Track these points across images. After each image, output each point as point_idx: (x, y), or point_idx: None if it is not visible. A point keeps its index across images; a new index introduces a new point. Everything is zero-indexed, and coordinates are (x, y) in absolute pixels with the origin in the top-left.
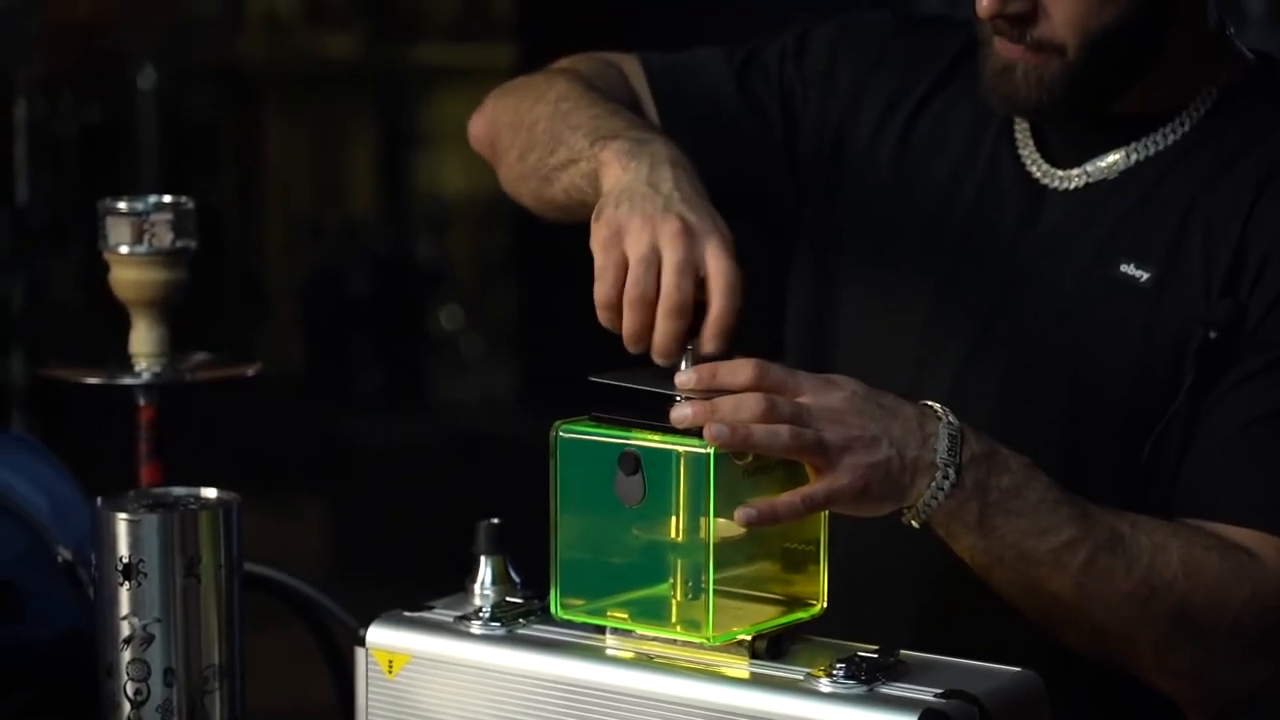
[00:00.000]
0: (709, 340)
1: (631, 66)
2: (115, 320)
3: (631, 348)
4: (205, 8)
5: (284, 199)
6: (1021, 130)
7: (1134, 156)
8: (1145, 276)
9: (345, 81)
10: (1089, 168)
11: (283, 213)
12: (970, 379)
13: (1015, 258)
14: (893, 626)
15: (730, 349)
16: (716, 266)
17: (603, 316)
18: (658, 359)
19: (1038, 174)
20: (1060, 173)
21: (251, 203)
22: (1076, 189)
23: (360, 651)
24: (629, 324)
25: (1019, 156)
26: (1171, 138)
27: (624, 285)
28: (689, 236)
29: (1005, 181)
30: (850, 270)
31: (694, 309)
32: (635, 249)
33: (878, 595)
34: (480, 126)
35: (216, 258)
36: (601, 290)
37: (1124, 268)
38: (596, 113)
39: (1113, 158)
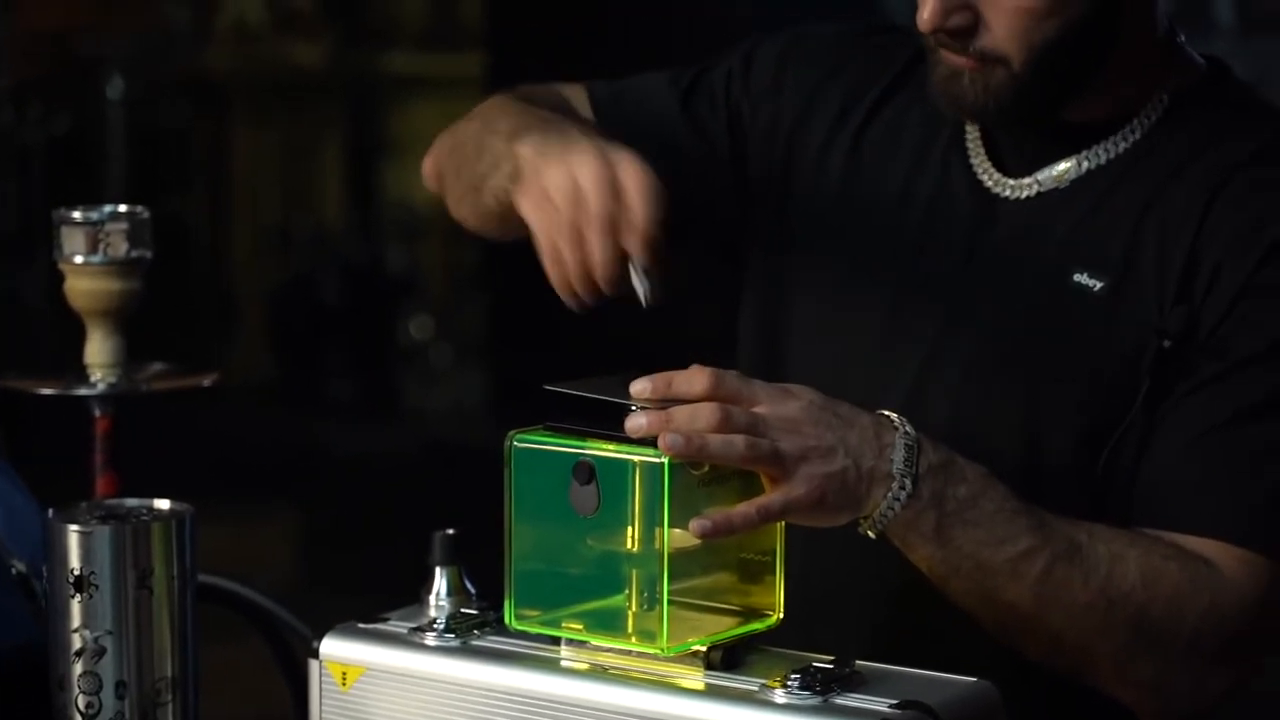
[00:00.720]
0: (635, 246)
1: (578, 96)
2: (80, 331)
3: (581, 290)
4: (174, 18)
5: (253, 208)
6: (973, 139)
7: (1085, 165)
8: (1099, 285)
9: (314, 91)
10: (1040, 176)
11: (252, 222)
12: (926, 390)
13: (968, 268)
14: (849, 639)
15: (661, 261)
16: (632, 177)
17: (553, 275)
18: (603, 285)
19: (989, 183)
20: (1012, 181)
21: (221, 212)
22: (1028, 198)
23: (314, 663)
24: (570, 261)
25: (970, 165)
26: (1123, 145)
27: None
28: (602, 158)
29: (957, 191)
30: (803, 281)
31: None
32: (554, 188)
33: (834, 607)
34: (429, 164)
35: (186, 267)
36: (542, 243)
37: (1077, 277)
38: (517, 121)
39: (1063, 166)
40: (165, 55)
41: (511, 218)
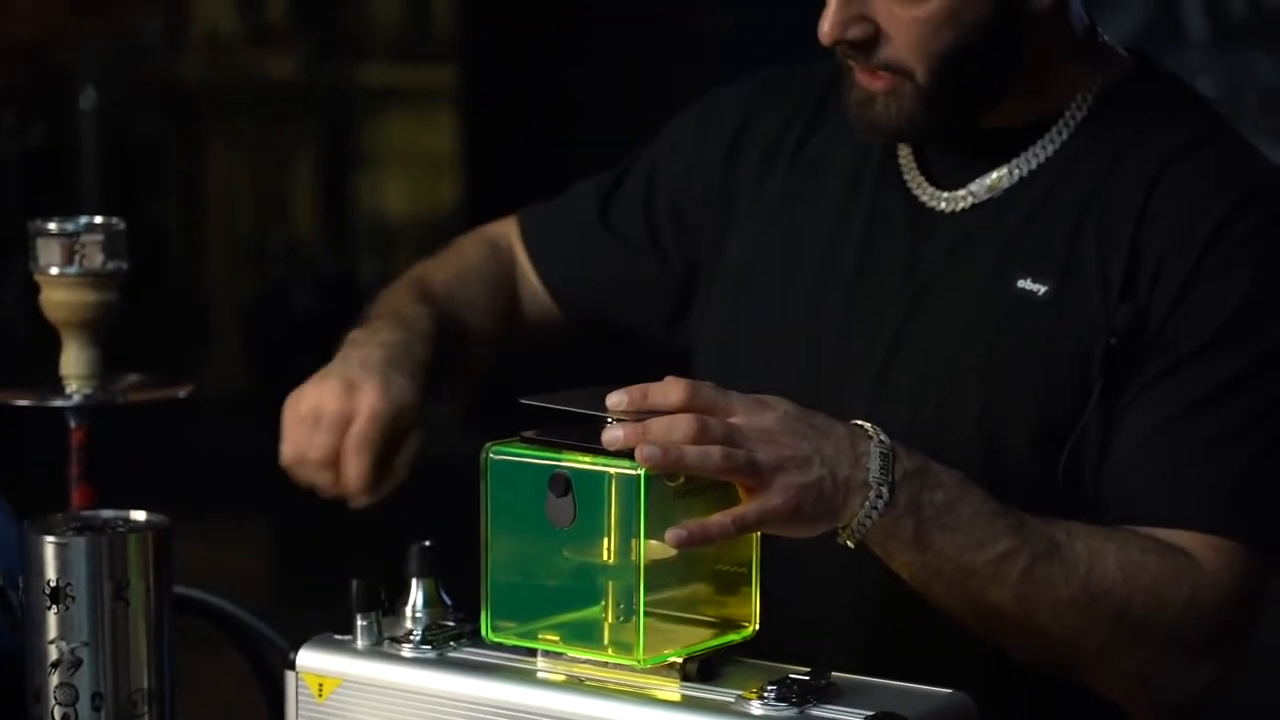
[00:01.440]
0: (349, 496)
1: (513, 228)
2: (52, 342)
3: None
4: (147, 28)
5: (227, 219)
6: (905, 156)
7: (1017, 172)
8: (1043, 290)
9: (288, 102)
10: (974, 187)
11: (226, 233)
12: (881, 409)
13: (912, 284)
14: (830, 651)
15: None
16: (365, 406)
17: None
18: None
19: (924, 198)
20: (946, 194)
21: (194, 223)
22: (964, 210)
23: (290, 675)
24: (302, 477)
25: (904, 182)
26: (1052, 148)
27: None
28: (344, 395)
29: (893, 209)
30: (751, 319)
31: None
32: (296, 413)
33: (813, 619)
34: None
35: (160, 278)
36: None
37: (1021, 283)
38: (382, 306)
39: (996, 175)
40: (138, 66)
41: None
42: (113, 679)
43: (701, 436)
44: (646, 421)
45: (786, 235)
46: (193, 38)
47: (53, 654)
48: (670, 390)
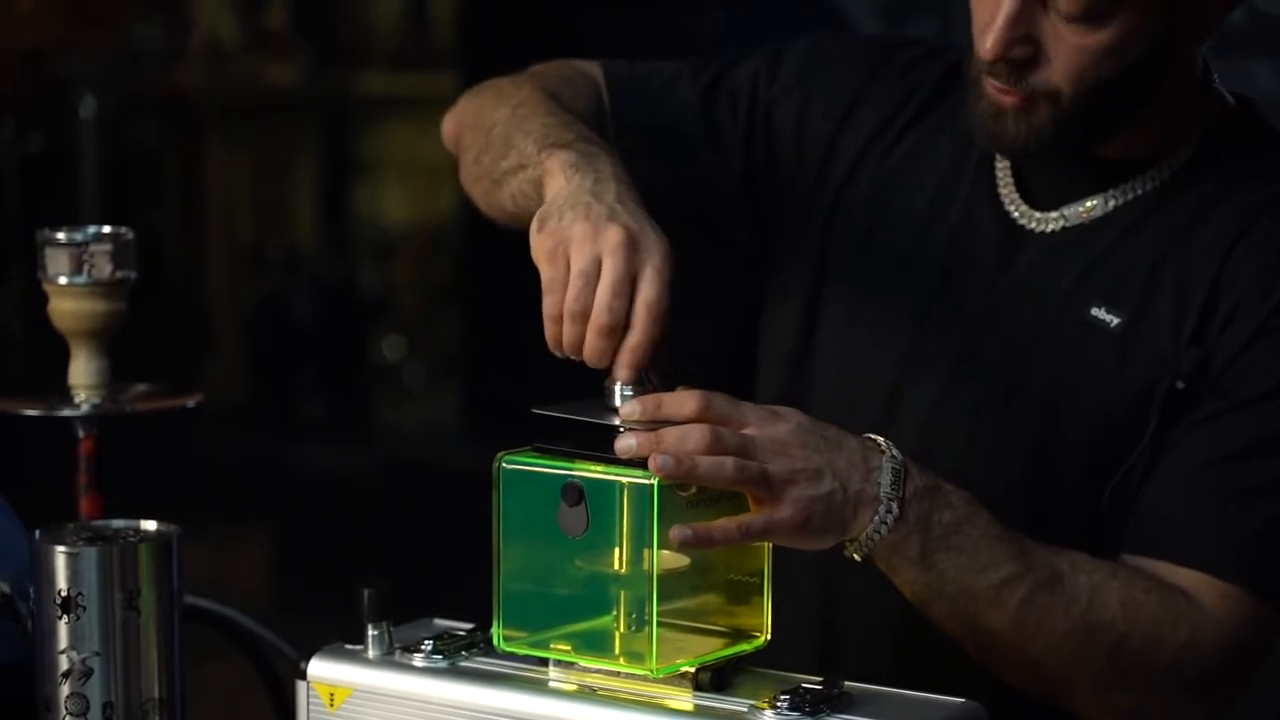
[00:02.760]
0: (620, 366)
1: (594, 76)
2: (58, 351)
3: (573, 355)
4: (147, 37)
5: (227, 228)
6: (1002, 169)
7: (1112, 202)
8: (1116, 321)
9: (288, 110)
10: (1067, 211)
11: (225, 241)
12: (943, 417)
13: (990, 297)
14: (850, 660)
15: (654, 375)
16: (647, 293)
17: (549, 329)
18: (588, 361)
19: (1016, 214)
20: (1039, 215)
21: (194, 231)
22: (1054, 232)
23: (302, 684)
24: (568, 335)
25: (999, 196)
26: (1150, 185)
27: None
28: (630, 250)
29: (984, 220)
30: (828, 301)
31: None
32: (578, 261)
33: (837, 628)
34: (449, 124)
35: (159, 287)
36: (550, 304)
37: (1095, 311)
38: (550, 121)
39: (1091, 202)
40: (138, 74)
41: (524, 220)
42: (124, 688)
43: (715, 447)
44: (660, 431)
45: (872, 229)
46: (192, 46)
47: (64, 664)
48: (684, 401)
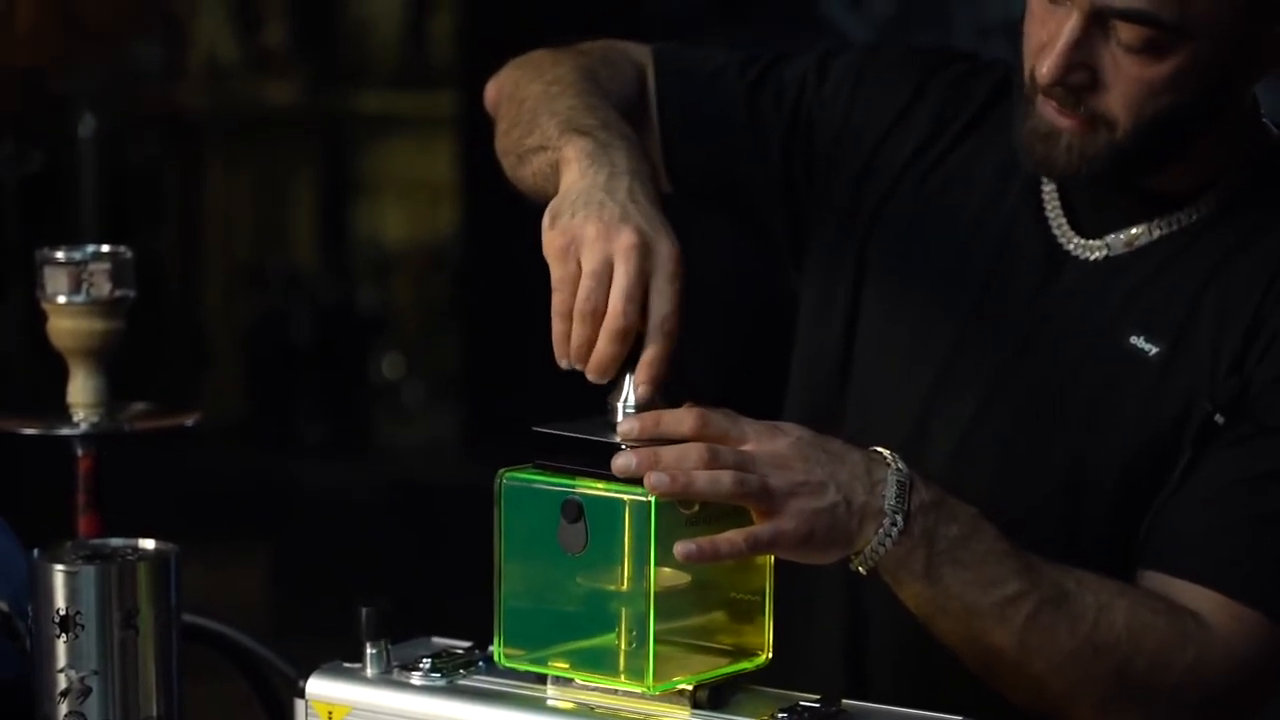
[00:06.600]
0: (639, 384)
1: (643, 60)
2: (57, 369)
3: (578, 363)
4: (146, 55)
5: (226, 247)
6: (1049, 191)
7: (1157, 231)
8: (1154, 350)
9: (287, 128)
10: (1110, 239)
11: (225, 260)
12: (976, 438)
13: (1030, 320)
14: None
15: (662, 392)
16: (660, 307)
17: (557, 326)
18: (591, 376)
19: (1061, 239)
20: (1083, 241)
21: (193, 250)
22: (1097, 259)
23: (300, 703)
24: (577, 336)
25: (1045, 219)
26: (1195, 216)
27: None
28: (642, 254)
29: (1027, 242)
30: (864, 315)
31: (636, 334)
32: (589, 261)
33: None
34: (492, 90)
35: (158, 305)
36: (559, 301)
37: (1133, 339)
38: (576, 104)
39: (1136, 230)
40: (137, 93)
41: (542, 198)
42: (122, 707)
43: (713, 464)
44: (658, 449)
45: (915, 242)
46: (191, 65)
47: (62, 683)
48: (682, 418)
